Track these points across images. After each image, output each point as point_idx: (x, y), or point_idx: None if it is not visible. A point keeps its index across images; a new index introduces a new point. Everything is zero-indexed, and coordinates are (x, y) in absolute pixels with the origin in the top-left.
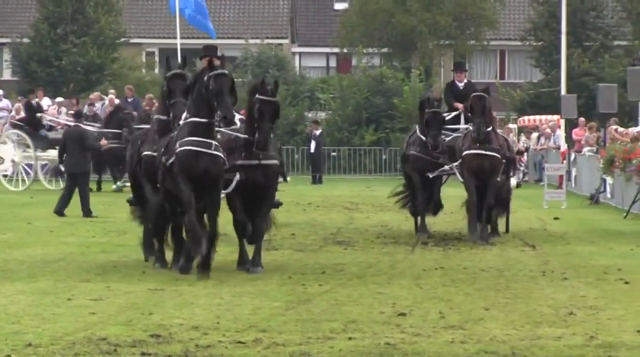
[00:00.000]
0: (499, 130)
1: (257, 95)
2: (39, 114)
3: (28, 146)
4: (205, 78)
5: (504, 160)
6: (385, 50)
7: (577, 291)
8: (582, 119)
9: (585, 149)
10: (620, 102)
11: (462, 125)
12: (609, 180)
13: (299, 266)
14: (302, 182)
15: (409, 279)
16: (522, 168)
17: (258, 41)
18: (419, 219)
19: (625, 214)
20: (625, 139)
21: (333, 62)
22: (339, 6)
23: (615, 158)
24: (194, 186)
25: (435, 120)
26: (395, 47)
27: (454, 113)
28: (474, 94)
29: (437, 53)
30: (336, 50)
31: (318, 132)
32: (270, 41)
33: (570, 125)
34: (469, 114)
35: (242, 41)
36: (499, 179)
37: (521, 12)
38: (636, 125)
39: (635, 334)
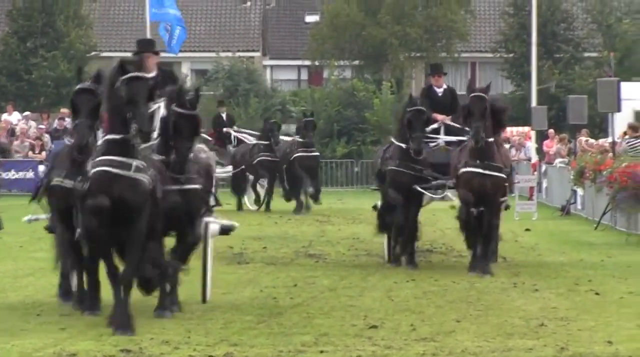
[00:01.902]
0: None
1: (173, 107)
2: (225, 129)
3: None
4: (118, 83)
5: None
6: (356, 62)
7: (548, 302)
8: (552, 131)
9: (557, 161)
10: (590, 114)
11: (442, 140)
12: (580, 191)
13: (270, 279)
14: (274, 195)
15: (380, 292)
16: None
17: (229, 54)
18: (396, 245)
19: (595, 225)
20: (596, 150)
21: (304, 75)
22: (310, 19)
23: (586, 169)
24: (108, 218)
25: (419, 121)
26: (366, 60)
27: (432, 126)
28: (472, 94)
29: (408, 65)
30: (307, 63)
31: None
32: (242, 54)
33: (541, 136)
34: (467, 119)
35: (213, 54)
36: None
37: (492, 24)
38: (606, 137)
39: (605, 344)
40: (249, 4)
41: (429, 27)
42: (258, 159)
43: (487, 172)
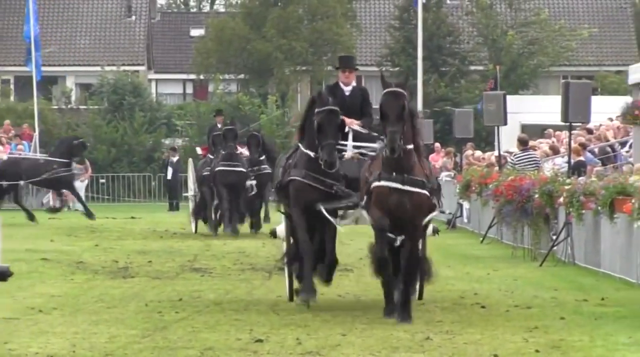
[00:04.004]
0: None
1: None
2: None
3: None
4: None
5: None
6: (241, 76)
7: (434, 315)
8: (437, 145)
9: (443, 174)
10: (476, 127)
11: (349, 149)
12: (466, 205)
13: (155, 293)
14: (159, 209)
15: (266, 306)
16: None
17: (114, 68)
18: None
19: (481, 239)
20: (482, 164)
21: (190, 89)
22: (195, 33)
23: (472, 183)
24: None
25: (331, 125)
26: (251, 74)
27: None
28: (386, 90)
29: (293, 79)
30: (193, 76)
31: (175, 159)
32: (127, 68)
33: (427, 150)
34: (380, 121)
35: (98, 68)
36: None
37: (378, 38)
38: (492, 150)
39: None
40: (133, 17)
41: (315, 41)
42: (202, 174)
43: (406, 187)
